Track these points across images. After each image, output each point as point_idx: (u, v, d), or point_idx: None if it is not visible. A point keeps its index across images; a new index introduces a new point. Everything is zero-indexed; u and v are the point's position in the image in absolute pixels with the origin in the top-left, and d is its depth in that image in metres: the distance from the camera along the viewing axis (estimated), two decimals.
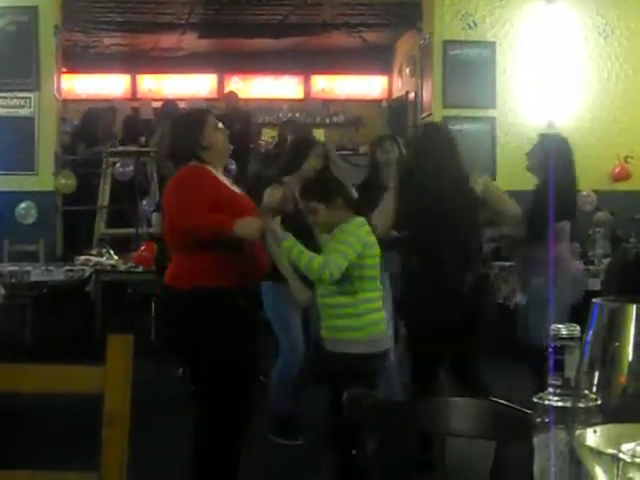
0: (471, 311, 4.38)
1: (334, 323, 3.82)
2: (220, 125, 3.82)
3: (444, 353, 4.45)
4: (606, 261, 6.41)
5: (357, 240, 3.74)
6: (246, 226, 3.52)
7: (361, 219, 3.82)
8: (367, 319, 3.80)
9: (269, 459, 4.68)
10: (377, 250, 3.84)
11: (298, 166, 4.73)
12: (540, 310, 4.93)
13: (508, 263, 7.29)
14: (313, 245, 3.87)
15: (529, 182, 6.25)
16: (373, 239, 3.83)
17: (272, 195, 4.40)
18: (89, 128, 9.75)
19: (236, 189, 3.83)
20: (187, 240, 3.57)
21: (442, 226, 4.26)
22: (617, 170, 8.90)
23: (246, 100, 12.92)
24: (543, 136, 5.70)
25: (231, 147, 3.86)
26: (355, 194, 4.20)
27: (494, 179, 8.82)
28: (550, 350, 1.18)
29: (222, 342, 3.56)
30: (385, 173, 5.38)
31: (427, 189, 4.31)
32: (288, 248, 3.68)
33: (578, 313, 4.68)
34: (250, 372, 3.72)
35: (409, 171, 4.48)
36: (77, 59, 11.34)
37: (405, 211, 4.39)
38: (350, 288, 3.75)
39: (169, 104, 10.09)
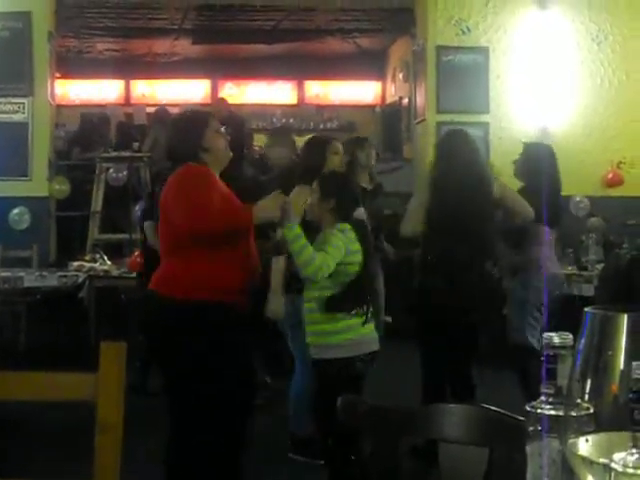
0: (484, 303, 4.72)
1: (315, 328, 3.82)
2: (222, 130, 3.78)
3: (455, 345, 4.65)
4: (599, 267, 6.43)
5: (344, 246, 3.75)
6: (265, 208, 3.47)
7: (347, 226, 3.82)
8: (346, 323, 3.80)
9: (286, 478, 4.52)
10: (359, 257, 3.83)
11: (316, 168, 4.53)
12: (517, 311, 5.14)
13: None
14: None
15: None
16: (357, 246, 3.82)
17: (299, 193, 4.19)
18: (86, 133, 9.76)
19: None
20: (188, 243, 3.46)
21: (463, 224, 4.58)
22: (610, 176, 8.92)
23: (239, 106, 12.92)
24: (528, 145, 5.89)
25: (231, 154, 3.81)
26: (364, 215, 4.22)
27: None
28: (543, 358, 1.18)
29: (206, 360, 3.44)
30: (362, 176, 5.56)
31: (454, 188, 4.63)
32: (293, 236, 3.59)
33: (554, 315, 4.87)
34: (239, 390, 3.58)
35: (442, 172, 4.79)
36: (71, 65, 11.34)
37: (432, 208, 4.68)
38: (329, 284, 3.76)
39: (161, 110, 10.08)
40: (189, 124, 3.73)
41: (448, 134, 5.26)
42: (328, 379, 3.73)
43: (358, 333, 3.83)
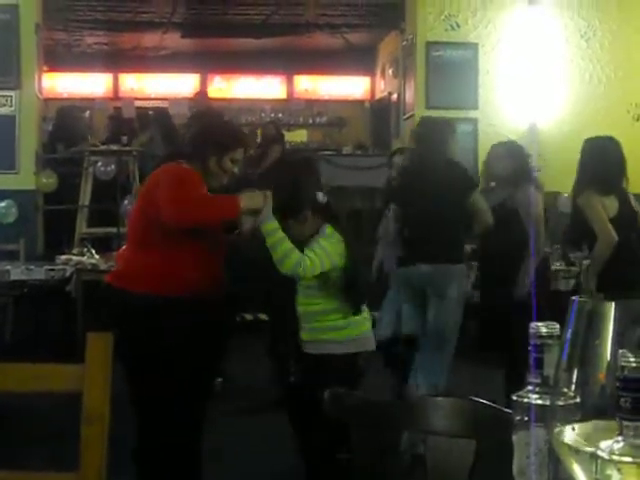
0: None
1: (317, 326, 3.74)
2: (239, 159, 3.70)
3: None
4: (586, 263, 6.45)
5: (334, 251, 3.69)
6: (251, 197, 3.49)
7: (331, 228, 3.76)
8: (349, 319, 3.76)
9: None
10: (343, 260, 3.79)
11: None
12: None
13: None
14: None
15: None
16: (341, 247, 3.77)
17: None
18: (64, 127, 9.70)
19: None
20: (158, 237, 3.45)
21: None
22: None
23: (229, 100, 12.91)
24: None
25: (224, 181, 3.78)
26: (324, 198, 4.03)
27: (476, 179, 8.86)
28: (530, 348, 1.18)
29: (169, 354, 3.42)
30: None
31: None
32: (271, 230, 3.55)
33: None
34: (199, 380, 3.58)
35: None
36: (59, 58, 11.29)
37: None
38: (330, 286, 3.70)
39: (162, 111, 10.12)
40: (221, 138, 3.67)
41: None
42: (330, 376, 3.62)
43: (362, 329, 3.80)
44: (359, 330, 3.78)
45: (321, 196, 3.83)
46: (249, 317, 7.41)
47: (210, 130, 3.82)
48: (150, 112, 10.08)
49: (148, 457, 3.52)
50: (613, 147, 5.21)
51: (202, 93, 10.85)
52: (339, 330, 3.73)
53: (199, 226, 3.47)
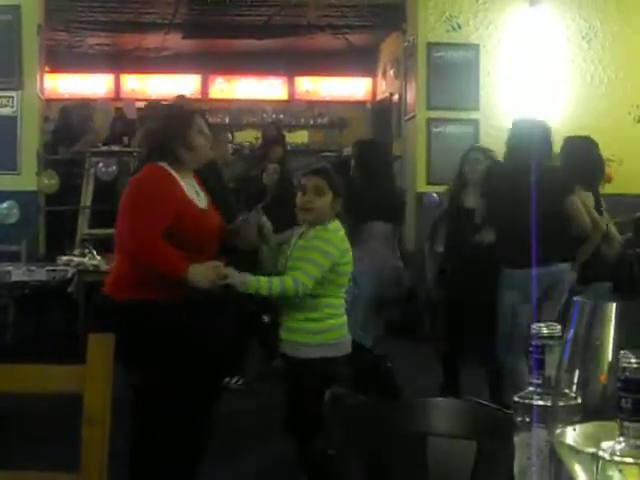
0: None
1: (294, 325, 3.71)
2: (206, 130, 3.74)
3: None
4: None
5: (335, 249, 3.67)
6: (200, 274, 3.40)
7: (338, 224, 3.77)
8: (329, 323, 3.70)
9: None
10: (349, 257, 3.79)
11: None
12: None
13: None
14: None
15: None
16: (347, 245, 3.77)
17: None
18: (65, 128, 9.69)
19: (202, 198, 3.70)
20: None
21: None
22: None
23: (230, 101, 12.92)
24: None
25: (212, 154, 3.78)
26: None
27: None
28: (532, 349, 1.18)
29: (159, 361, 3.41)
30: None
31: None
32: (256, 288, 3.54)
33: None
34: (198, 384, 3.55)
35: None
36: (60, 58, 11.29)
37: None
38: (315, 290, 3.67)
39: (152, 104, 10.03)
40: (175, 120, 3.68)
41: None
42: (307, 379, 3.59)
43: (340, 333, 3.77)
44: (336, 334, 3.74)
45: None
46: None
47: (154, 124, 3.83)
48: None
49: (145, 458, 3.51)
50: (595, 147, 5.62)
51: (180, 97, 10.62)
52: (315, 334, 3.69)
53: (143, 265, 3.46)
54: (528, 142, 5.06)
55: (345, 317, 3.79)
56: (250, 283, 3.53)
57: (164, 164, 3.59)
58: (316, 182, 3.74)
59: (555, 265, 5.01)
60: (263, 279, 3.58)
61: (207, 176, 3.86)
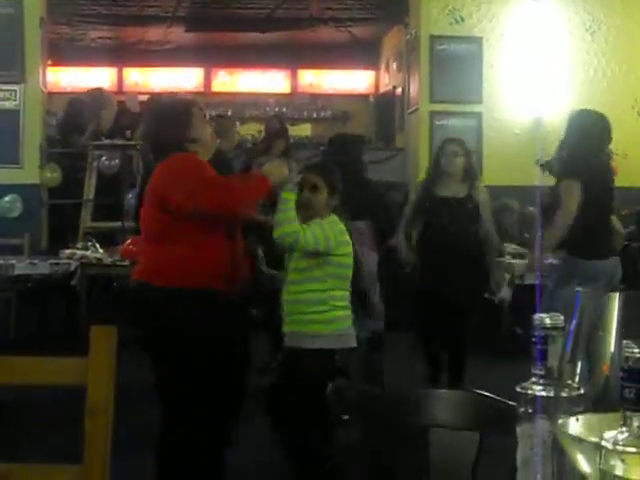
0: None
1: (301, 317, 3.70)
2: (207, 117, 3.71)
3: None
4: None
5: (332, 233, 3.68)
6: (275, 170, 3.44)
7: (335, 217, 3.76)
8: (334, 314, 3.70)
9: None
10: (349, 249, 3.78)
11: None
12: None
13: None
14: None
15: (515, 177, 6.29)
16: (346, 238, 3.76)
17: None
18: (75, 118, 9.68)
19: None
20: (176, 230, 3.39)
21: None
22: None
23: (233, 94, 12.91)
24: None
25: (218, 141, 3.76)
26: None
27: (480, 174, 8.85)
28: (535, 340, 1.18)
29: (200, 348, 3.40)
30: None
31: None
32: (288, 199, 3.53)
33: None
34: (230, 377, 3.56)
35: None
36: (63, 52, 11.29)
37: None
38: (320, 275, 3.67)
39: (154, 98, 10.02)
40: (174, 116, 3.59)
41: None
42: (312, 370, 3.58)
43: (345, 324, 3.77)
44: (340, 325, 3.74)
45: None
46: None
47: (157, 120, 3.72)
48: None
49: (172, 450, 3.49)
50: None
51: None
52: (322, 324, 3.69)
53: (234, 212, 3.42)
54: (603, 130, 5.22)
55: (349, 311, 3.78)
56: (294, 194, 3.55)
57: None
58: (310, 178, 3.73)
59: (615, 257, 5.10)
60: (293, 205, 3.57)
61: (218, 169, 3.83)
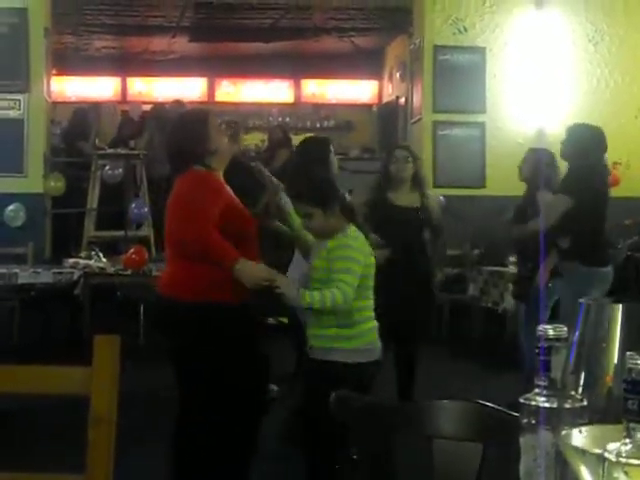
0: None
1: (326, 332, 3.62)
2: (222, 126, 3.67)
3: None
4: None
5: (360, 253, 3.61)
6: (248, 270, 3.36)
7: (355, 228, 3.71)
8: (360, 328, 3.64)
9: None
10: (372, 260, 3.72)
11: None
12: None
13: (497, 268, 7.33)
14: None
15: (518, 187, 6.29)
16: (369, 249, 3.72)
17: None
18: (81, 125, 9.74)
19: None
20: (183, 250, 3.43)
21: None
22: None
23: (236, 104, 12.93)
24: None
25: (233, 149, 3.73)
26: (349, 197, 4.00)
27: (483, 184, 8.85)
28: (538, 351, 1.18)
29: (227, 360, 3.43)
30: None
31: None
32: (310, 302, 3.47)
33: None
34: (252, 390, 3.57)
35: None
36: (67, 61, 11.33)
37: None
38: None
39: (158, 107, 10.05)
40: (193, 127, 3.56)
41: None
42: (337, 384, 3.52)
43: (370, 338, 3.71)
44: (366, 340, 3.70)
45: (347, 195, 3.84)
46: (272, 321, 7.29)
47: (176, 133, 3.68)
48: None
49: (194, 461, 3.49)
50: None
51: (177, 101, 10.50)
52: (349, 340, 3.63)
53: (195, 254, 3.41)
54: (599, 143, 5.40)
55: (374, 322, 3.73)
56: (304, 296, 3.47)
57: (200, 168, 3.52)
58: (300, 209, 3.69)
59: (611, 265, 5.28)
60: (315, 293, 3.50)
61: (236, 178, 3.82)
